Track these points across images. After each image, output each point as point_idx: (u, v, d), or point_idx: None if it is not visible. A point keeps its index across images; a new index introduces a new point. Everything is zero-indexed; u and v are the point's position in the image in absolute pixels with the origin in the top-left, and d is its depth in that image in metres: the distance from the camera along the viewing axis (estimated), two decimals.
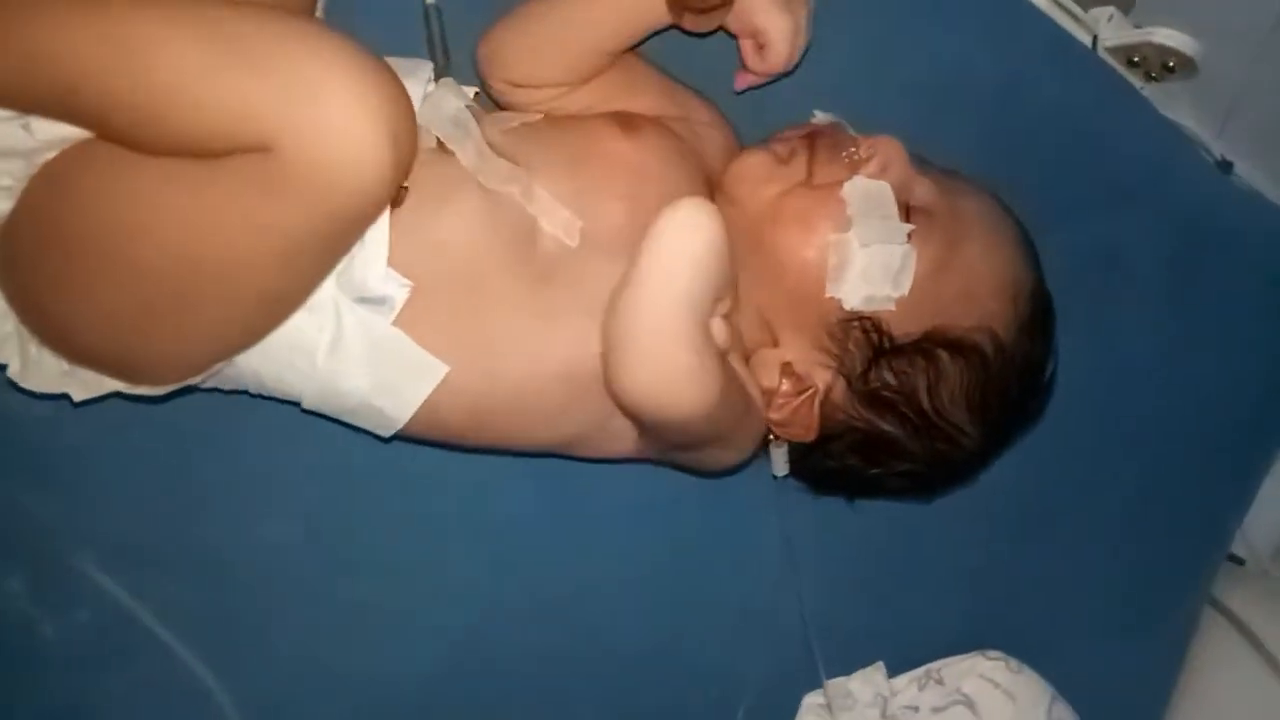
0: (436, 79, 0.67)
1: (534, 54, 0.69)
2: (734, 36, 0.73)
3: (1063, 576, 0.90)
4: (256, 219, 0.55)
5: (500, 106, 0.72)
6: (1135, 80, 0.84)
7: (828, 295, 0.67)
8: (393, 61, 0.65)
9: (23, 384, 0.64)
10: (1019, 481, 0.84)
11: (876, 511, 0.82)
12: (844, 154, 0.68)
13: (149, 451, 0.72)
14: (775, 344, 0.70)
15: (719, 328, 0.61)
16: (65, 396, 0.64)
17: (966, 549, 0.88)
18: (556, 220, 0.66)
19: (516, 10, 0.70)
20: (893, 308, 0.67)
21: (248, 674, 0.74)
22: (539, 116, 0.69)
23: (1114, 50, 0.83)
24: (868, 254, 0.66)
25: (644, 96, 0.71)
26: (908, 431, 0.70)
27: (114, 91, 0.55)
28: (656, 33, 0.71)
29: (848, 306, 0.67)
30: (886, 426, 0.70)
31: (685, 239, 0.57)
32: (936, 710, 0.87)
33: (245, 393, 0.68)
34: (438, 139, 0.65)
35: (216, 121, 0.54)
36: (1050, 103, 0.81)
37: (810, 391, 0.69)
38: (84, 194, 0.58)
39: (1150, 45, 0.80)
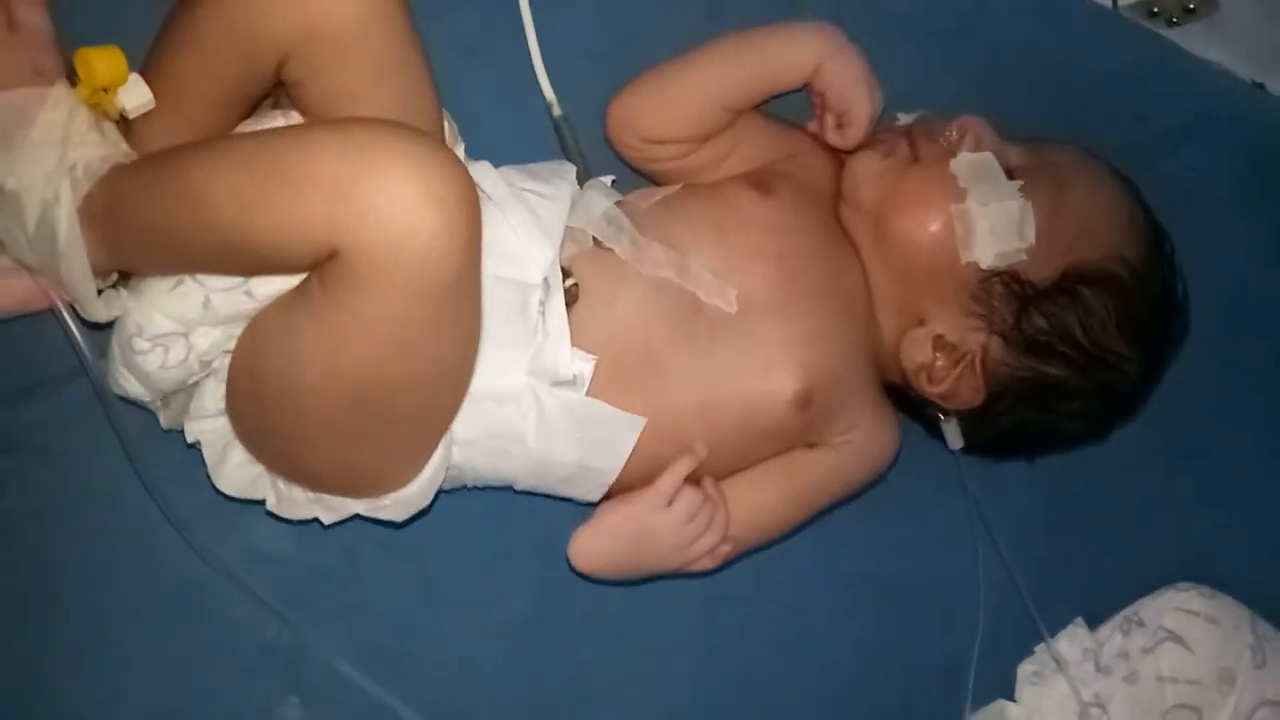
0: (580, 183, 0.75)
1: (667, 110, 0.76)
2: (809, 96, 0.79)
3: (1226, 501, 0.93)
4: (361, 318, 0.59)
5: (628, 166, 0.79)
6: (1159, 29, 0.91)
7: (963, 262, 0.73)
8: (538, 167, 0.74)
9: (280, 514, 0.71)
10: (1163, 415, 0.88)
11: (1038, 476, 0.88)
12: (939, 138, 0.76)
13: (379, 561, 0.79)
14: (922, 324, 0.76)
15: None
16: (316, 521, 0.71)
17: (1127, 495, 0.92)
18: (713, 292, 0.73)
19: (651, 70, 0.77)
20: (1025, 258, 0.73)
21: None
22: (677, 188, 0.76)
23: (1134, 7, 0.91)
24: (989, 213, 0.72)
25: (757, 145, 0.78)
26: (1071, 370, 0.75)
27: (202, 238, 0.60)
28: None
29: (984, 265, 0.73)
30: (1050, 369, 0.75)
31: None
32: (1146, 651, 0.90)
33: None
34: (594, 238, 0.72)
35: (285, 240, 0.58)
36: (1088, 69, 0.88)
37: (969, 356, 0.75)
38: (257, 346, 0.65)
39: None
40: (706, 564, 0.76)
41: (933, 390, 0.77)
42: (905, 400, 0.81)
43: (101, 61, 0.62)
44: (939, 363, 0.76)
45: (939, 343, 0.76)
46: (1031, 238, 0.73)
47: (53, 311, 0.66)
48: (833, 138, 0.79)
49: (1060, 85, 0.88)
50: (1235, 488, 0.93)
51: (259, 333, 0.65)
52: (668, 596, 0.83)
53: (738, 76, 0.76)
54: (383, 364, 0.61)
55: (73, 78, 0.63)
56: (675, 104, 0.76)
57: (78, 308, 0.65)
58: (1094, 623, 0.91)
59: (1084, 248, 0.74)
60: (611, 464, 0.72)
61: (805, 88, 0.78)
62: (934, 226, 0.74)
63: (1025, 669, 0.90)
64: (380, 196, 0.56)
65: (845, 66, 0.75)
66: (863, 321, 0.77)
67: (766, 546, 0.81)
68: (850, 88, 0.75)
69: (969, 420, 0.79)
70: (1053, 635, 0.89)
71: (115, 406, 0.69)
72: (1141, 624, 0.91)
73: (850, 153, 0.78)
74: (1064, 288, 0.74)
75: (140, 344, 0.64)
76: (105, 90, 0.63)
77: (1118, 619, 0.91)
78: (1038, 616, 0.87)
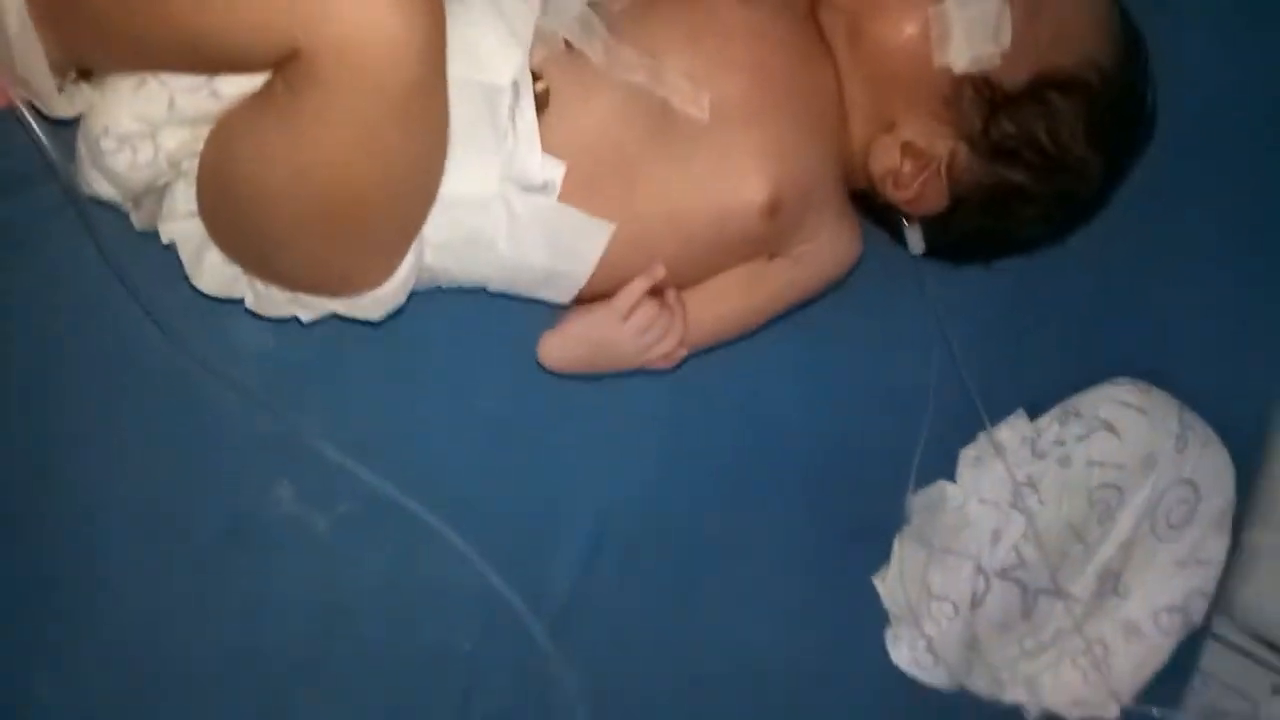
0: None
1: None
2: None
3: (1176, 299, 0.97)
4: (326, 117, 0.59)
5: None
6: None
7: (936, 65, 0.74)
8: None
9: (259, 312, 0.73)
10: (1121, 218, 0.91)
11: (994, 279, 0.91)
12: None
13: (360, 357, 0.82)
14: (891, 129, 0.77)
15: None
16: (295, 320, 0.74)
17: (1076, 296, 0.96)
18: (686, 98, 0.73)
19: None
20: (999, 63, 0.73)
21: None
22: None
23: None
24: (966, 15, 0.72)
25: None
26: (1034, 175, 0.77)
27: (161, 35, 0.59)
28: None
29: (957, 69, 0.74)
30: (1013, 175, 0.77)
31: None
32: (1080, 439, 0.96)
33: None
34: (565, 40, 0.71)
35: (245, 39, 0.58)
36: None
37: (935, 162, 0.76)
38: (224, 149, 0.66)
39: None
40: (662, 365, 0.82)
41: (898, 196, 0.79)
42: (870, 206, 0.83)
43: None
44: (905, 169, 0.78)
45: (907, 149, 0.77)
46: (1007, 42, 0.73)
47: (14, 111, 0.65)
48: None
49: None
50: (1185, 290, 0.97)
51: (226, 134, 0.65)
52: (634, 385, 0.87)
53: None
54: (350, 165, 0.62)
55: None
56: None
57: (39, 104, 0.64)
58: (1035, 415, 0.97)
59: (1058, 53, 0.75)
60: (581, 269, 0.75)
61: None
62: (910, 29, 0.74)
63: (967, 453, 0.97)
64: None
65: None
66: (833, 129, 0.78)
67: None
68: None
69: (931, 225, 0.82)
70: (995, 425, 0.96)
71: (86, 205, 0.69)
72: (1079, 415, 0.97)
73: None
74: (1034, 94, 0.75)
75: (107, 144, 0.64)
76: None
77: (1056, 410, 0.97)
78: (981, 406, 0.93)
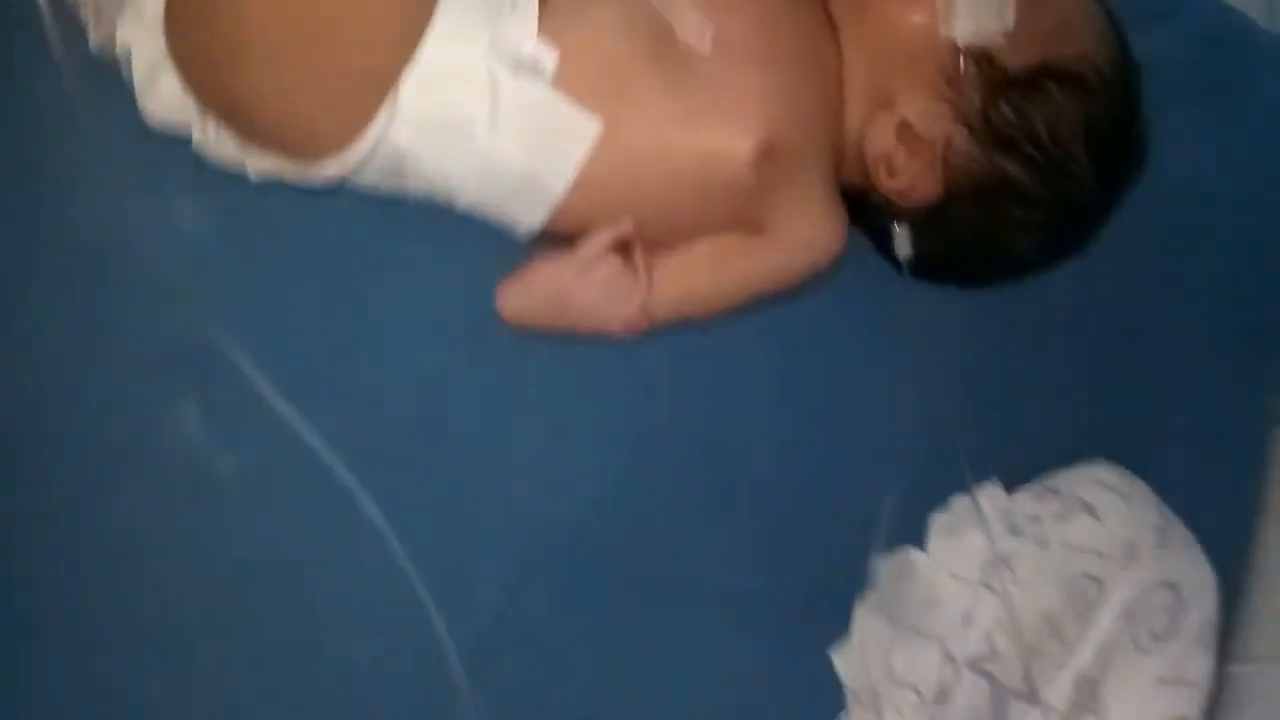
0: None
1: None
2: None
3: (1157, 390, 0.94)
4: None
5: None
6: None
7: (940, 36, 0.74)
8: None
9: (204, 154, 0.68)
10: (1098, 294, 0.90)
11: (981, 333, 0.88)
12: None
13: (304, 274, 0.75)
14: (890, 108, 0.76)
15: None
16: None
17: (1063, 366, 0.92)
18: (688, 25, 0.72)
19: None
20: (1002, 41, 0.74)
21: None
22: None
23: None
24: None
25: None
26: (1029, 170, 0.76)
27: None
28: None
29: (961, 42, 0.74)
30: (1008, 166, 0.75)
31: None
32: (1059, 518, 0.90)
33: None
34: None
35: None
36: None
37: (932, 146, 0.75)
38: None
39: None
40: (617, 330, 0.76)
41: (891, 184, 0.77)
42: (858, 208, 0.81)
43: None
44: (900, 155, 0.76)
45: (903, 132, 0.76)
46: (1011, 21, 0.74)
47: None
48: None
49: None
50: (1166, 378, 0.94)
51: None
52: (593, 382, 0.80)
53: None
54: None
55: None
56: None
57: None
58: (1010, 488, 0.91)
59: (1059, 43, 0.75)
60: (560, 173, 0.71)
61: None
62: (915, 1, 0.74)
63: (939, 520, 0.89)
64: None
65: None
66: (831, 103, 0.78)
67: (691, 330, 0.80)
68: None
69: (920, 227, 0.79)
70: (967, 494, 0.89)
71: None
72: (1057, 493, 0.91)
73: None
74: (1034, 81, 0.75)
75: None
76: None
77: (1035, 486, 0.91)
78: (968, 466, 0.86)
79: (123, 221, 0.69)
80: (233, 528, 0.73)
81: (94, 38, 0.68)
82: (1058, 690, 0.87)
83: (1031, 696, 0.86)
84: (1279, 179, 0.94)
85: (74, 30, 0.68)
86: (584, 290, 0.74)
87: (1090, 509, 0.90)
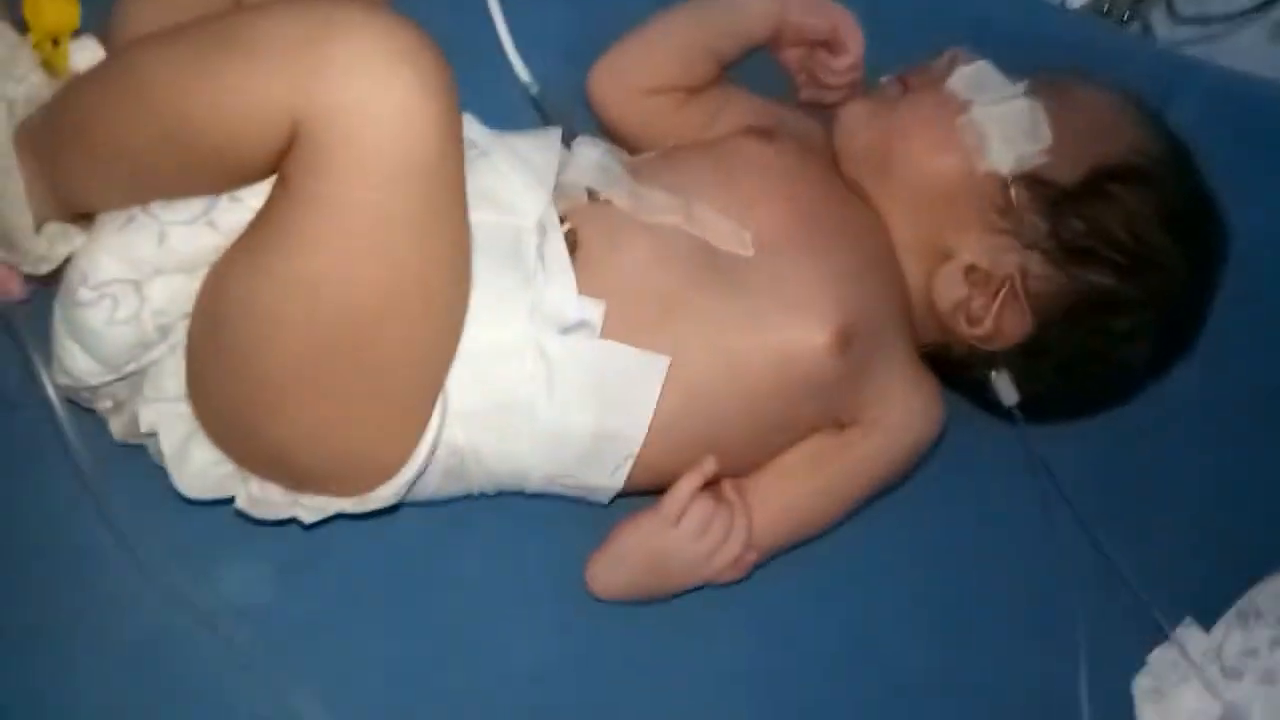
0: (567, 143, 0.70)
1: (652, 57, 0.73)
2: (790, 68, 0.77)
3: None
4: (332, 209, 0.52)
5: (617, 138, 0.75)
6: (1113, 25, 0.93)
7: (981, 172, 0.69)
8: (526, 135, 0.69)
9: (252, 513, 0.61)
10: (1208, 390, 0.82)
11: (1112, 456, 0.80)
12: (928, 72, 0.73)
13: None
14: (949, 258, 0.70)
15: None
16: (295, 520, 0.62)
17: (1203, 472, 0.83)
18: (726, 235, 0.67)
19: (626, 33, 0.74)
20: (1044, 159, 0.69)
21: None
22: (671, 147, 0.72)
23: (1081, 10, 0.93)
24: (999, 115, 0.69)
25: (744, 106, 0.75)
26: (1118, 275, 0.69)
27: (145, 128, 0.54)
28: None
29: (1005, 171, 0.68)
30: (1096, 277, 0.69)
31: None
32: (1278, 643, 0.78)
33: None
34: (588, 191, 0.67)
35: (235, 114, 0.52)
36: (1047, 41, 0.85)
37: (1006, 282, 0.69)
38: (218, 285, 0.58)
39: None
40: (731, 575, 0.69)
41: (975, 333, 0.70)
42: (946, 367, 0.74)
43: (51, 7, 0.58)
44: (976, 300, 0.70)
45: (972, 275, 0.70)
46: (1048, 137, 0.69)
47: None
48: (829, 70, 0.75)
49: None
50: None
51: (221, 272, 0.58)
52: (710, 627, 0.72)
53: (715, 16, 0.74)
54: (356, 276, 0.54)
55: (24, 28, 0.59)
56: (660, 50, 0.73)
57: (13, 242, 0.57)
58: (1203, 621, 0.79)
59: (1103, 142, 0.70)
60: (635, 423, 0.64)
61: (783, 56, 0.77)
62: (941, 145, 0.70)
63: (1142, 684, 0.78)
64: (345, 52, 0.52)
65: None
66: (889, 269, 0.72)
67: (804, 544, 0.72)
68: (823, 5, 0.74)
69: (1020, 367, 0.72)
70: (1159, 642, 0.78)
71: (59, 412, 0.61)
72: (1260, 615, 0.79)
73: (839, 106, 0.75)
74: (1093, 187, 0.69)
75: (85, 294, 0.57)
76: (56, 44, 0.59)
77: (1230, 614, 0.80)
78: (1160, 616, 0.75)
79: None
80: None
81: (115, 428, 0.63)
82: None
83: None
84: None
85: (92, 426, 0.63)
86: (681, 544, 0.67)
87: None
